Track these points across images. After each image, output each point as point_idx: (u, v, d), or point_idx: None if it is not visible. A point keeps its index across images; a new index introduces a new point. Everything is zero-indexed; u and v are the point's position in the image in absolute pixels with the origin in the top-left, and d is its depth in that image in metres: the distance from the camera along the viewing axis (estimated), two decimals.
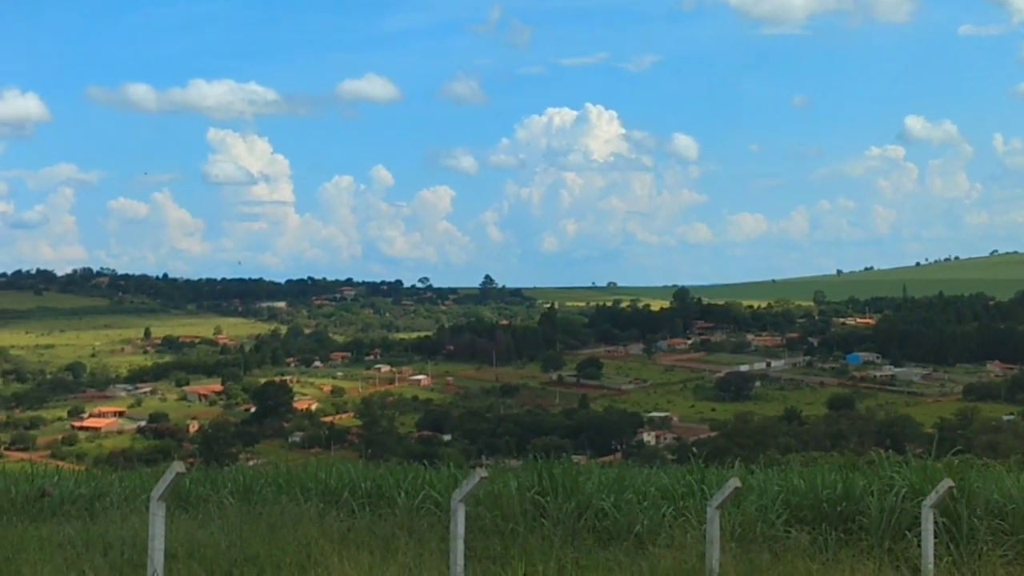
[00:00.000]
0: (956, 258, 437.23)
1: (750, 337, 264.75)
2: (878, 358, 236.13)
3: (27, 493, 21.56)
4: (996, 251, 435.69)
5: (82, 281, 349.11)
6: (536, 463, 20.71)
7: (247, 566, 14.47)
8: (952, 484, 15.87)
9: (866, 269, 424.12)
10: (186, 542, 15.61)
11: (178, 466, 10.84)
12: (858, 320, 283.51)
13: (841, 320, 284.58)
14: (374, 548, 15.23)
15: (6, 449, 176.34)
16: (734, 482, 15.40)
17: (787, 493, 18.80)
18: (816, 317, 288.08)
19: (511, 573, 14.50)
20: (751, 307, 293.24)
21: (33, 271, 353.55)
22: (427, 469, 22.12)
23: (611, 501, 18.92)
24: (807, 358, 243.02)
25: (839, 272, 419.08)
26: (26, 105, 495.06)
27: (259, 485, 21.73)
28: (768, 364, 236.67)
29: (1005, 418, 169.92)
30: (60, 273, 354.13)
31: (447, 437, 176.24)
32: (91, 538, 16.83)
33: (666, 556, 15.93)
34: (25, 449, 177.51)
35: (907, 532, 16.93)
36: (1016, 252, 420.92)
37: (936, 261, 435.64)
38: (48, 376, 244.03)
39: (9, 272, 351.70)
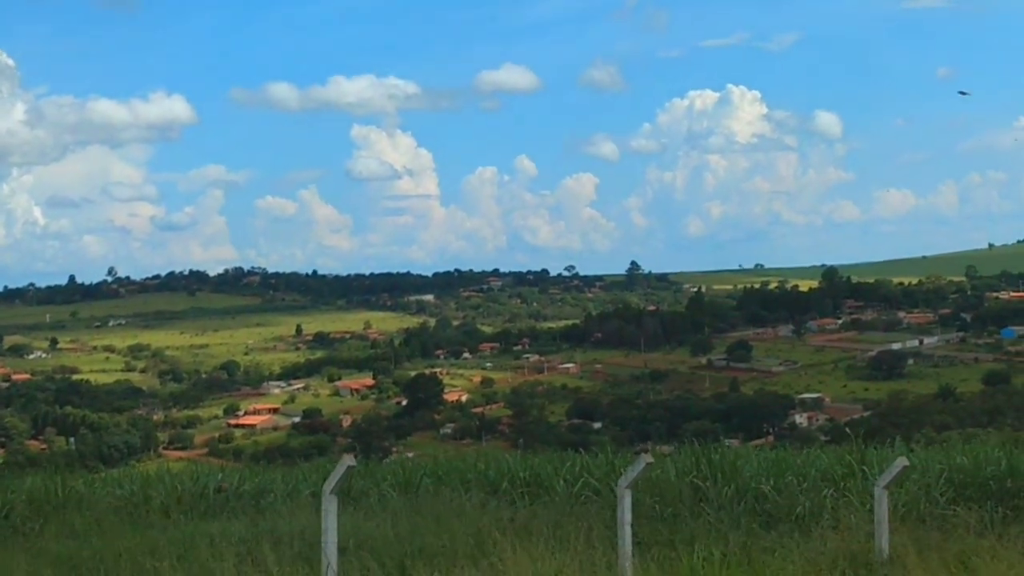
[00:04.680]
0: None
1: (901, 315, 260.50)
2: None
3: (192, 491, 22.01)
4: None
5: (233, 280, 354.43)
6: (694, 448, 20.71)
7: (418, 557, 14.65)
8: None
9: (1019, 242, 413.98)
10: (353, 535, 15.83)
11: (349, 459, 11.02)
12: (1012, 294, 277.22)
13: (994, 294, 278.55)
14: (543, 536, 15.32)
15: (165, 448, 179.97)
16: (902, 461, 15.27)
17: (950, 471, 18.59)
18: (968, 292, 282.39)
19: (680, 558, 14.51)
20: (901, 284, 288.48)
21: (186, 272, 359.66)
22: (584, 456, 22.18)
23: (771, 484, 18.87)
24: (960, 334, 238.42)
25: (991, 246, 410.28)
26: (172, 107, 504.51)
27: (419, 477, 21.96)
28: (921, 341, 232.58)
29: None
30: (212, 273, 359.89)
31: (597, 425, 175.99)
32: (260, 533, 17.17)
33: (832, 538, 15.84)
34: (183, 448, 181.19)
35: None
36: None
37: None
38: (203, 375, 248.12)
39: (163, 274, 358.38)
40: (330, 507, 11.34)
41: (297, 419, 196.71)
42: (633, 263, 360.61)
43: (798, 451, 23.28)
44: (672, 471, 19.57)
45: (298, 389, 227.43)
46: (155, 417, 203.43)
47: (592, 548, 14.21)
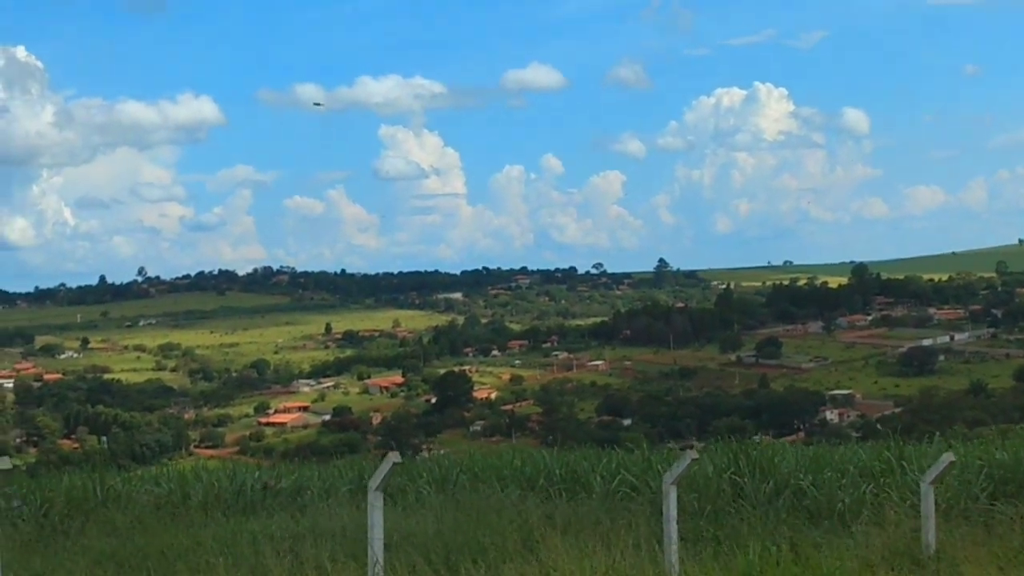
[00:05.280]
0: None
1: (932, 311, 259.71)
2: None
3: (230, 489, 22.04)
4: None
5: (263, 280, 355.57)
6: (730, 444, 20.68)
7: (464, 552, 14.66)
8: None
9: None
10: (396, 531, 15.85)
11: (394, 456, 11.04)
12: None
13: None
14: (588, 532, 15.31)
15: (196, 447, 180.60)
16: (948, 456, 15.22)
17: (990, 467, 18.51)
18: (999, 288, 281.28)
19: (730, 553, 14.48)
20: (931, 280, 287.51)
21: (215, 272, 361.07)
22: (620, 453, 22.18)
23: (809, 480, 18.81)
24: (991, 330, 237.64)
25: (1021, 241, 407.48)
26: (200, 108, 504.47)
27: (455, 474, 21.98)
28: (951, 337, 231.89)
29: None
30: (241, 273, 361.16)
31: (627, 422, 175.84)
32: (302, 530, 17.22)
33: (875, 534, 15.79)
34: (214, 446, 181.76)
35: None
36: None
37: None
38: (233, 374, 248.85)
39: (192, 274, 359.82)
40: (376, 503, 11.36)
41: (327, 417, 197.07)
42: (661, 260, 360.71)
43: (834, 447, 23.23)
44: (710, 467, 19.53)
45: (328, 387, 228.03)
46: (186, 416, 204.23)
47: (638, 545, 14.19)
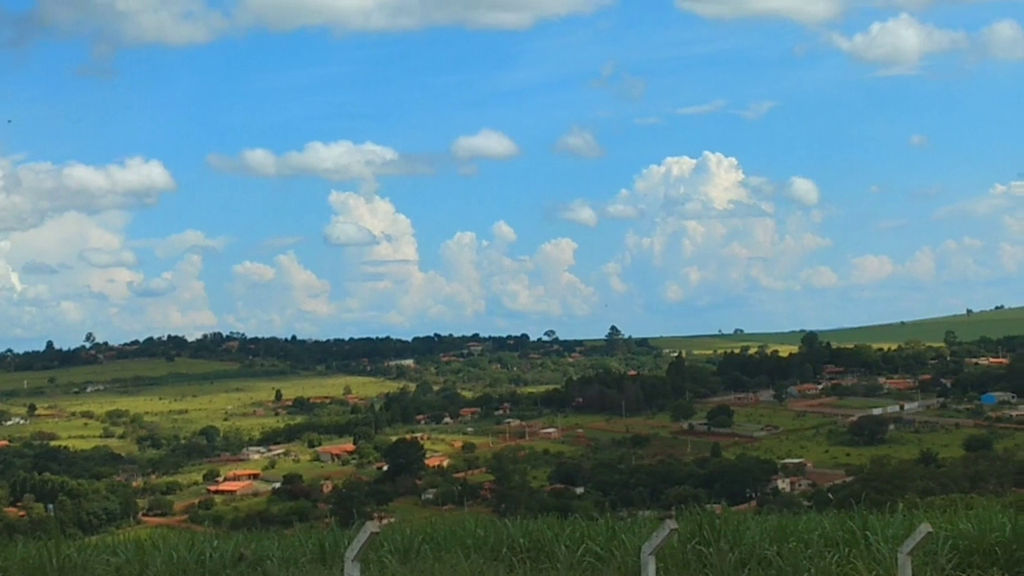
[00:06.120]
0: None
1: (881, 380, 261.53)
2: (1013, 397, 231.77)
3: (188, 558, 21.72)
4: None
5: (212, 346, 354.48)
6: (696, 513, 20.57)
7: None
8: None
9: (996, 308, 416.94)
10: None
11: (372, 526, 10.93)
12: (991, 360, 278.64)
13: (973, 360, 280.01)
14: None
15: (144, 515, 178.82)
16: (925, 527, 15.15)
17: (955, 537, 18.44)
18: (948, 358, 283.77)
19: None
20: (881, 350, 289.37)
21: (164, 338, 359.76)
22: (585, 522, 22.00)
23: (774, 550, 18.70)
24: (941, 399, 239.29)
25: (969, 312, 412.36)
26: (150, 173, 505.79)
27: (417, 542, 21.73)
28: (901, 407, 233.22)
29: None
30: (190, 339, 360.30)
31: (580, 490, 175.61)
32: None
33: None
34: (163, 514, 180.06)
35: None
36: None
37: None
38: (182, 441, 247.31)
39: (141, 339, 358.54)
40: (353, 572, 11.22)
41: (277, 485, 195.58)
42: (613, 328, 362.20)
43: (796, 516, 23.13)
44: (675, 537, 19.39)
45: (278, 455, 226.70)
46: (134, 483, 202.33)
47: None
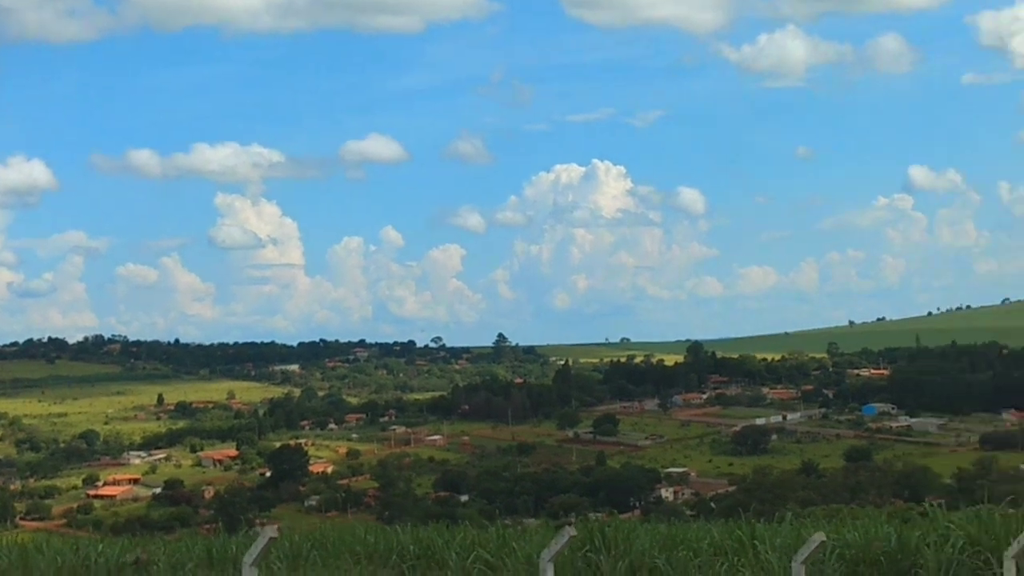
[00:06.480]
0: (968, 307, 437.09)
1: (765, 390, 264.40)
2: (893, 409, 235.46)
3: (73, 562, 21.38)
4: (1008, 299, 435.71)
5: (94, 348, 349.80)
6: (587, 521, 20.63)
7: None
8: None
9: (878, 320, 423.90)
10: None
11: (271, 531, 10.78)
12: (872, 371, 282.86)
13: (855, 371, 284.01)
14: None
15: (21, 519, 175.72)
16: (819, 536, 15.26)
17: (841, 547, 18.61)
18: (830, 369, 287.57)
19: None
20: (765, 360, 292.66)
21: (44, 339, 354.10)
22: (475, 529, 21.96)
23: (664, 559, 18.76)
24: (822, 410, 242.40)
25: (851, 323, 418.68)
26: (32, 172, 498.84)
27: (307, 549, 21.56)
28: (784, 417, 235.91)
29: (1023, 467, 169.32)
30: (71, 341, 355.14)
31: (464, 497, 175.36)
32: None
33: None
34: (41, 519, 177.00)
35: None
36: None
37: (948, 310, 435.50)
38: (62, 444, 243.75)
39: (21, 341, 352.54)
40: None
41: (158, 490, 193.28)
42: (500, 335, 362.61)
43: (686, 525, 23.24)
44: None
45: (159, 459, 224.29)
46: (12, 487, 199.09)
47: None
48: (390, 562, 20.33)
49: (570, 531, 12.99)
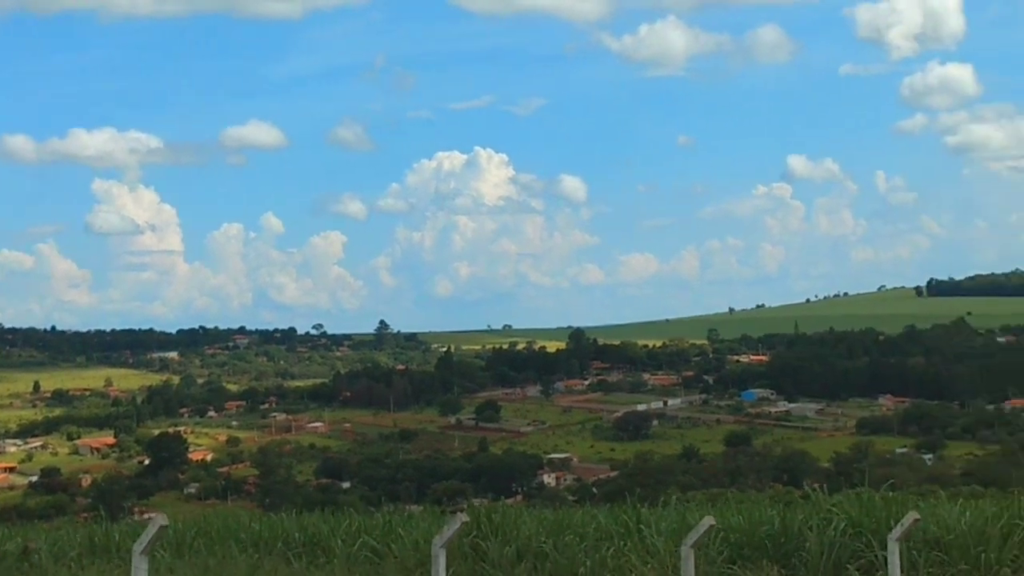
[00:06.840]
0: (845, 294, 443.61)
1: (646, 376, 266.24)
2: (772, 394, 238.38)
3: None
4: (883, 286, 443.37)
5: None
6: (474, 507, 20.64)
7: None
8: (918, 517, 15.79)
9: (757, 307, 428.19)
10: None
11: (161, 519, 10.65)
12: (751, 357, 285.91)
13: (735, 358, 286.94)
14: None
15: None
16: (708, 520, 15.38)
17: (725, 530, 18.78)
18: (710, 355, 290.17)
19: None
20: (646, 346, 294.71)
21: None
22: (360, 516, 21.92)
23: (551, 544, 18.82)
24: (703, 396, 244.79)
25: (731, 310, 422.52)
26: None
27: (191, 537, 21.39)
28: (665, 403, 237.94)
29: (898, 451, 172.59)
30: None
31: (346, 484, 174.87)
32: None
33: None
34: None
35: (848, 566, 17.03)
36: (903, 287, 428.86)
37: (825, 297, 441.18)
38: None
39: None
40: (141, 566, 10.91)
41: (35, 478, 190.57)
42: (382, 322, 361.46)
43: (571, 510, 23.36)
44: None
45: (35, 447, 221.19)
46: None
47: None
48: (275, 550, 20.21)
49: (462, 517, 13.01)
